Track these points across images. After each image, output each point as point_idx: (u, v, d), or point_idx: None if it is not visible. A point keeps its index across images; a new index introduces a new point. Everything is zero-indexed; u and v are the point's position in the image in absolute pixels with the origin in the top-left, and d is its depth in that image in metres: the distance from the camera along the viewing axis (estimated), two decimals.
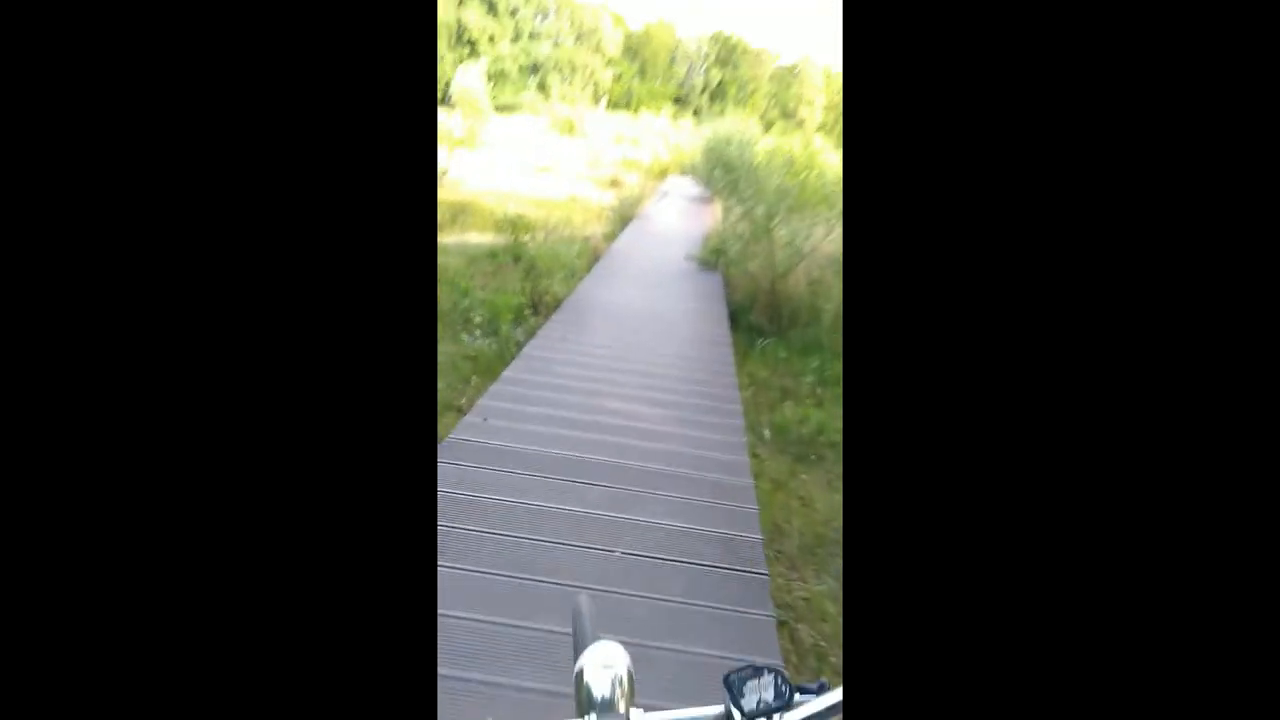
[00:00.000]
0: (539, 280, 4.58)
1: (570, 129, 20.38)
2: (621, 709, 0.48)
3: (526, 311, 4.32)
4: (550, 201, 14.17)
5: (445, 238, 7.32)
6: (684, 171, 16.05)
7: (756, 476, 2.49)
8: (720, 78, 39.49)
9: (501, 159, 16.56)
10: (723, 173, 11.03)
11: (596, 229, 8.97)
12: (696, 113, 34.53)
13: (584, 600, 0.65)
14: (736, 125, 12.09)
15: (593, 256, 6.21)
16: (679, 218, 9.68)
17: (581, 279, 5.35)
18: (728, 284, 5.63)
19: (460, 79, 16.54)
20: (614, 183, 15.07)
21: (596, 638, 0.54)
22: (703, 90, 39.22)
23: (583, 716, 0.48)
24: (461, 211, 13.12)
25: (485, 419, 2.57)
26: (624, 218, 8.76)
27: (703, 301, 5.31)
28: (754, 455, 2.70)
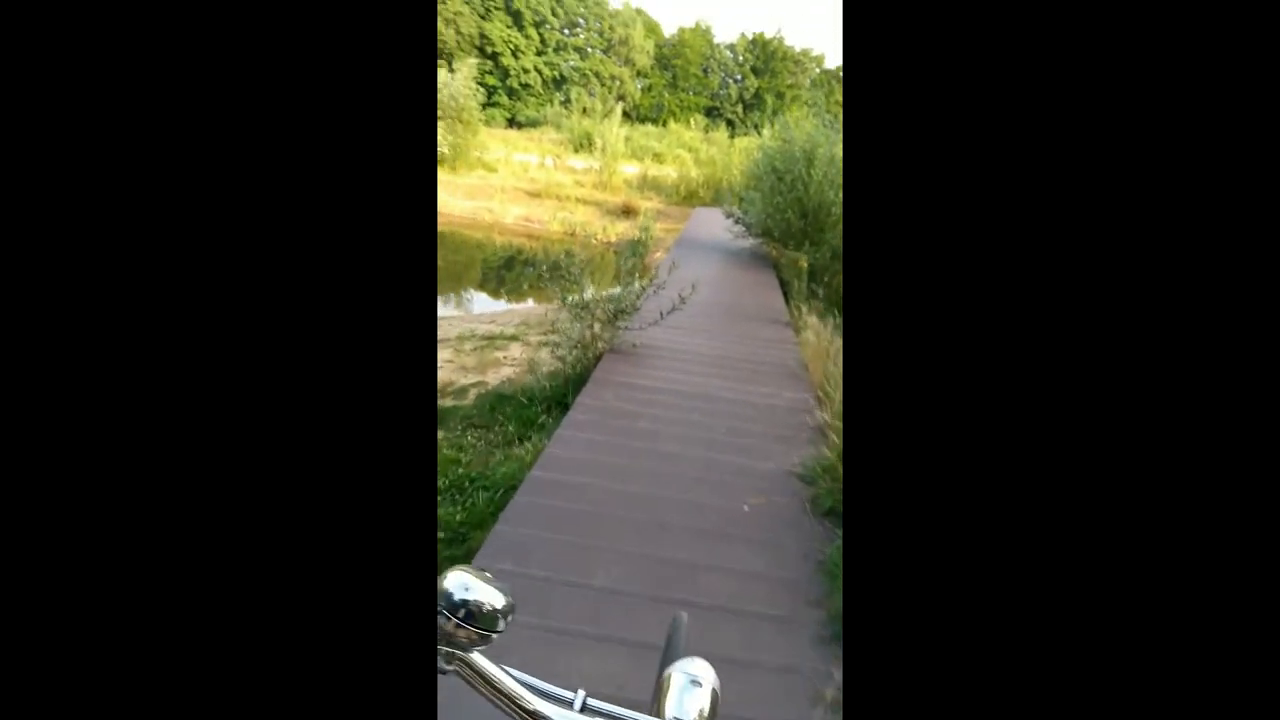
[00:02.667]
0: None
1: (586, 144, 17.44)
2: None
3: None
4: (542, 234, 11.23)
5: None
6: (715, 198, 12.76)
7: None
8: (756, 86, 36.21)
9: (492, 181, 13.70)
10: (792, 212, 7.07)
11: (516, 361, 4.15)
12: (730, 124, 31.66)
13: (682, 617, 0.68)
14: (798, 132, 7.32)
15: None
16: (709, 323, 4.62)
17: None
18: None
19: (447, 88, 13.72)
20: (626, 210, 12.00)
21: (689, 655, 0.57)
22: (737, 100, 36.11)
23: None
24: (440, 243, 10.25)
25: None
26: (601, 345, 3.71)
27: None
28: None
